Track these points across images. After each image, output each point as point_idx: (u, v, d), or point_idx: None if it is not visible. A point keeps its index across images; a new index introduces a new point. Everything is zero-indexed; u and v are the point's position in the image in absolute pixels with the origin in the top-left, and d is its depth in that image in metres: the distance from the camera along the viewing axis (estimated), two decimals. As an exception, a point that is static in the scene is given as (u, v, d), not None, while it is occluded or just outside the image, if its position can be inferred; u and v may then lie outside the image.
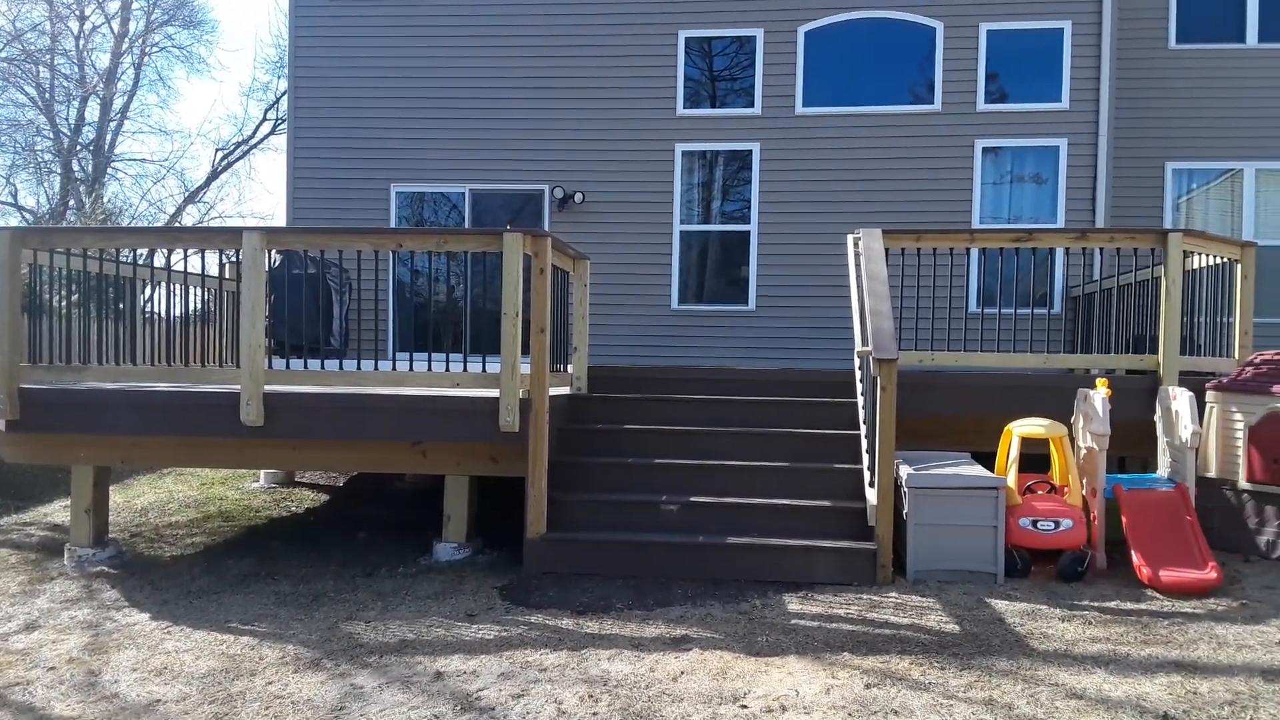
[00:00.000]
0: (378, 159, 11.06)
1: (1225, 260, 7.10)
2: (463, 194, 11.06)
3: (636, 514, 6.04)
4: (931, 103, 10.51)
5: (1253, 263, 7.05)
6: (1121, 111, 10.72)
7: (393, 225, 10.92)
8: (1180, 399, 6.12)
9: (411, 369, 6.08)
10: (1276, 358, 6.45)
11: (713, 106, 10.82)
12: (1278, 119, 10.88)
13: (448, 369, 5.99)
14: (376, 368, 6.12)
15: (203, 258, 7.06)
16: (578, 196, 10.76)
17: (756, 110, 10.69)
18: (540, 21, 10.91)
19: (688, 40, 10.77)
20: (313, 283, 8.20)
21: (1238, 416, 6.18)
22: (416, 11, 11.09)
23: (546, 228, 10.71)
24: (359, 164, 11.07)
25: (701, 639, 4.64)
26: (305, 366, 6.21)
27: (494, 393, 5.82)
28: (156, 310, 7.63)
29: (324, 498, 8.64)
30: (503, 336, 5.75)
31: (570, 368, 7.26)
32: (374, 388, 6.08)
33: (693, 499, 6.04)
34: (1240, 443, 6.13)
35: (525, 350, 5.87)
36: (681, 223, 10.78)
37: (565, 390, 7.14)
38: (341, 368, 6.28)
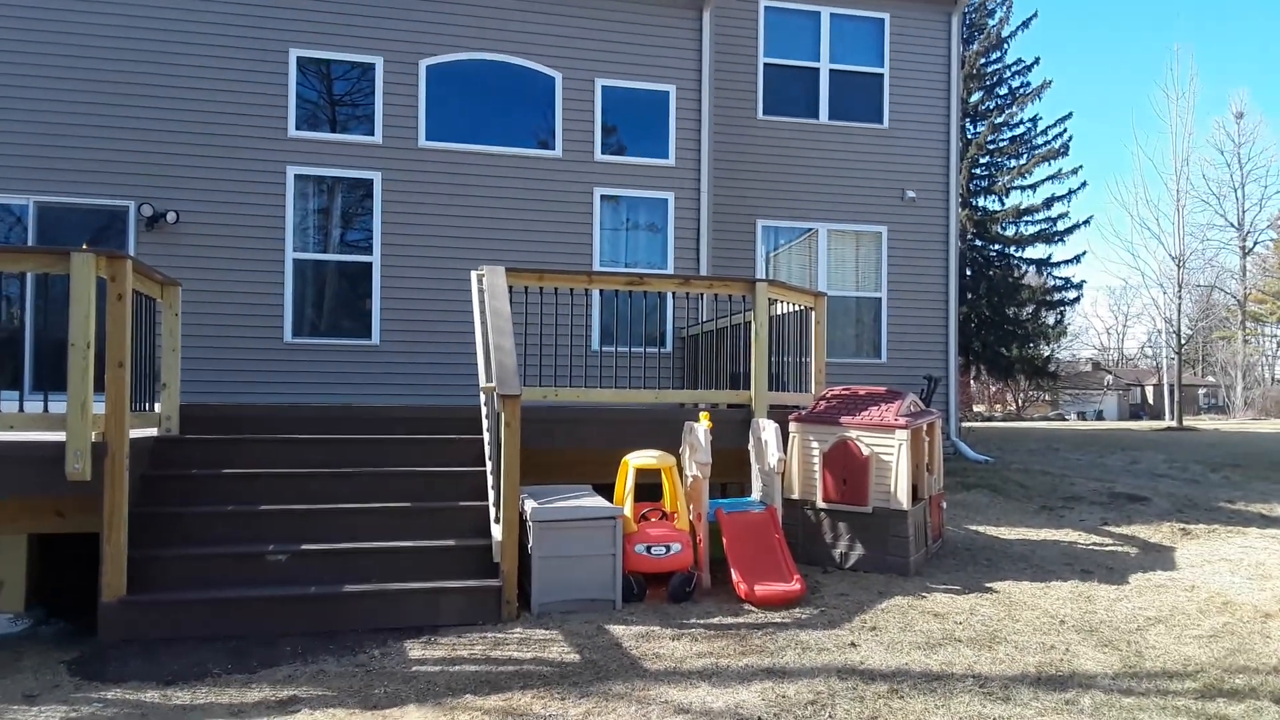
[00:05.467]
0: (-90, 158, 9.18)
1: (803, 307, 8.05)
2: (26, 206, 9.50)
3: (238, 567, 5.44)
4: (554, 149, 10.90)
5: (824, 310, 8.05)
6: (720, 171, 11.88)
7: (-70, 238, 9.09)
8: (768, 430, 6.78)
9: (-53, 408, 5.01)
10: (844, 393, 7.40)
11: (332, 131, 10.34)
12: (845, 186, 12.73)
13: (-2, 408, 5.02)
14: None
15: None
16: (170, 216, 9.69)
17: (377, 139, 10.39)
18: (128, 19, 9.75)
19: (300, 60, 10.22)
20: None
21: (814, 444, 6.97)
22: (-31, -11, 9.42)
23: (132, 249, 9.52)
24: (-118, 162, 9.11)
25: (312, 698, 4.25)
26: None
27: (59, 436, 4.95)
28: None
29: None
30: (70, 371, 4.92)
31: (158, 407, 6.42)
32: (-110, 432, 4.92)
33: (305, 547, 5.56)
34: (817, 467, 6.92)
35: (100, 387, 5.08)
36: (296, 250, 10.12)
37: (152, 432, 6.30)
38: None
